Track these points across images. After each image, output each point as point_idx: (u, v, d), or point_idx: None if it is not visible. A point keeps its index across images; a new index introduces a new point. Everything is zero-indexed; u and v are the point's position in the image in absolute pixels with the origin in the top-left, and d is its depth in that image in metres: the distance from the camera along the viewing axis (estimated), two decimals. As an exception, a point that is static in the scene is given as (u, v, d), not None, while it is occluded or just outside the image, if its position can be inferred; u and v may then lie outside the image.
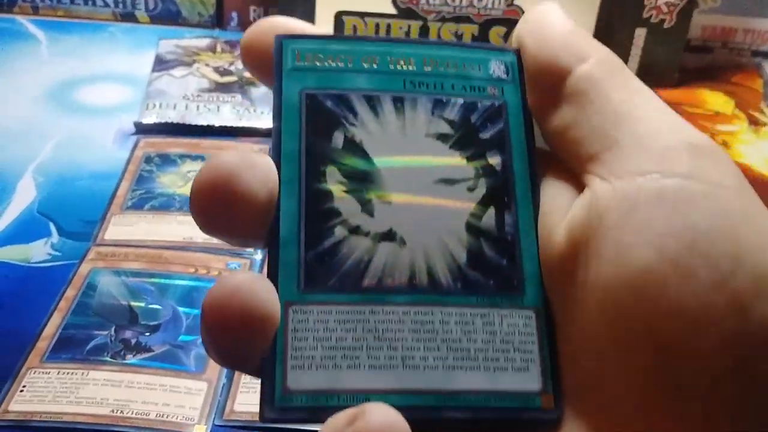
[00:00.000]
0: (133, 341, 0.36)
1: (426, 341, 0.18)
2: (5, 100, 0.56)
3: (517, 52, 0.21)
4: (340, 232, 0.18)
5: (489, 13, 0.63)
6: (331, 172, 0.19)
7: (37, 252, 0.42)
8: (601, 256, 0.17)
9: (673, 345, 0.16)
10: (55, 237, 0.43)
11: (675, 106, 0.65)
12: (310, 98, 0.19)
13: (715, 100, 0.66)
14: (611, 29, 0.64)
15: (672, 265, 0.16)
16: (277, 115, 0.19)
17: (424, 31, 0.64)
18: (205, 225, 0.18)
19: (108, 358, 0.35)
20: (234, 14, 0.67)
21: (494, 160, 0.20)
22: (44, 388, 0.33)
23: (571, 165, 0.19)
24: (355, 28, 0.63)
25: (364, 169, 0.19)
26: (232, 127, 0.54)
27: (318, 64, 0.20)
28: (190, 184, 0.51)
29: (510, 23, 0.64)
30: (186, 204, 0.46)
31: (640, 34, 0.65)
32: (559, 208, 0.19)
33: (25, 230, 0.43)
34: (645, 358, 0.17)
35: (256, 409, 0.32)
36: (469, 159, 0.19)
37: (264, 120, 0.55)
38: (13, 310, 0.38)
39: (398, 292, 0.18)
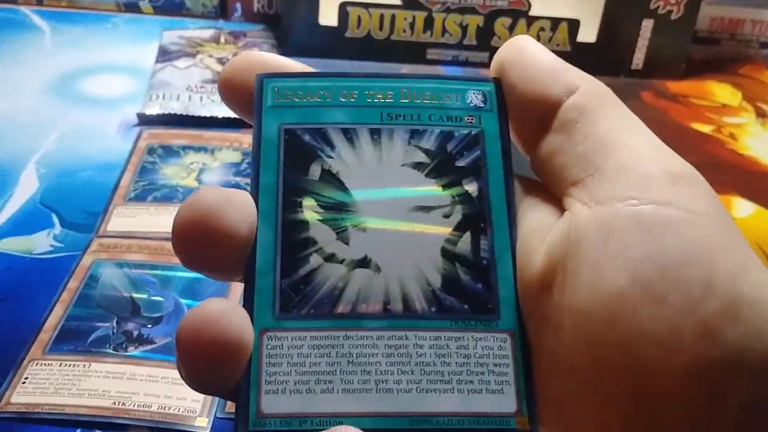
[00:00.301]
0: (135, 333, 0.36)
1: (400, 365, 0.18)
2: (9, 91, 0.55)
3: (497, 81, 0.21)
4: (315, 260, 0.19)
5: (494, 4, 0.63)
6: (308, 203, 0.19)
7: (40, 243, 0.42)
8: (577, 278, 0.18)
9: (644, 369, 0.17)
10: (57, 228, 0.43)
11: (682, 97, 0.64)
12: (288, 133, 0.20)
13: (722, 92, 0.65)
14: (618, 20, 0.64)
15: (644, 290, 0.17)
16: (256, 149, 0.20)
17: (429, 21, 0.63)
18: (188, 262, 0.19)
19: (110, 350, 0.35)
20: (238, 5, 0.67)
21: (470, 186, 0.20)
22: (46, 380, 0.33)
23: (553, 190, 0.20)
24: (359, 19, 0.63)
25: (341, 200, 0.19)
26: (235, 119, 0.53)
27: (297, 100, 0.20)
28: (193, 176, 0.51)
29: (516, 14, 0.63)
30: (189, 195, 0.46)
31: (647, 25, 0.64)
32: (539, 232, 0.19)
33: (27, 221, 0.43)
34: (617, 381, 0.17)
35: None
36: (445, 186, 0.20)
37: (267, 111, 0.54)
38: (15, 302, 0.38)
39: (372, 317, 0.18)
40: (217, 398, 0.33)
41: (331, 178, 0.19)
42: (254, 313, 0.18)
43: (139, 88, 0.57)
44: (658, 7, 0.64)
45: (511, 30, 0.64)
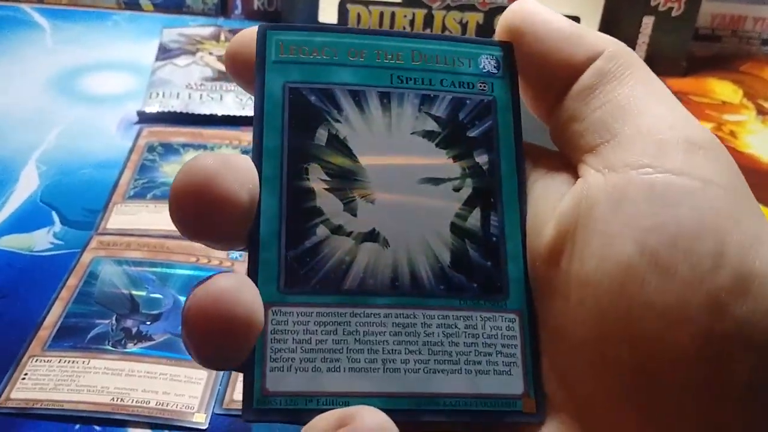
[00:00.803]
0: (134, 330, 0.36)
1: (407, 344, 0.18)
2: (9, 88, 0.56)
3: (508, 46, 0.20)
4: (321, 231, 0.18)
5: (494, 1, 0.63)
6: (314, 169, 0.18)
7: (40, 241, 0.42)
8: (586, 247, 0.17)
9: (650, 340, 0.16)
10: (57, 226, 0.43)
11: (682, 95, 0.64)
12: (293, 92, 0.19)
13: (722, 89, 0.65)
14: (618, 17, 0.64)
15: (652, 261, 0.16)
16: (259, 109, 0.19)
17: (429, 19, 0.63)
18: (186, 231, 0.18)
19: (109, 347, 0.35)
20: (238, 2, 0.67)
21: (481, 159, 0.19)
22: (46, 376, 0.34)
23: (569, 157, 0.19)
24: (359, 16, 0.63)
25: (348, 167, 0.19)
26: (235, 116, 0.54)
27: (302, 56, 0.19)
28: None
29: (516, 11, 0.63)
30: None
31: (648, 22, 0.64)
32: (551, 201, 0.19)
33: (27, 219, 0.43)
34: (623, 353, 0.17)
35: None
36: (456, 158, 0.19)
37: (267, 109, 0.54)
38: (15, 299, 0.38)
39: (380, 294, 0.18)
40: (215, 394, 0.34)
41: (338, 144, 0.19)
42: (258, 287, 0.17)
43: (140, 85, 0.57)
44: (659, 3, 0.64)
45: (511, 27, 0.64)
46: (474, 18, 0.63)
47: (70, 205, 0.44)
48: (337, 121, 0.19)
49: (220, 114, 0.53)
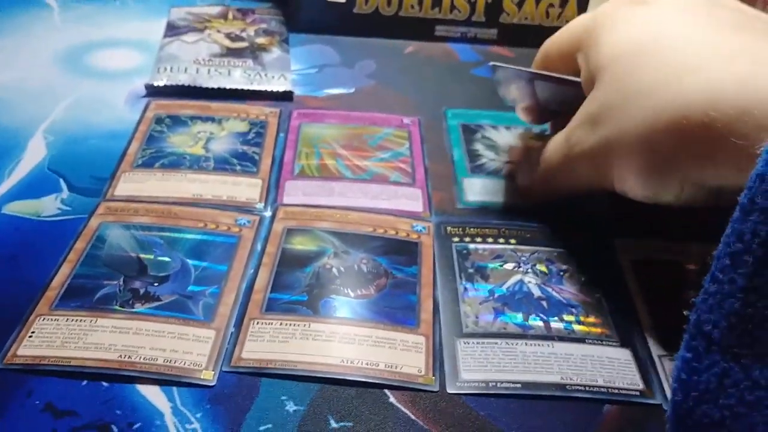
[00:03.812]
0: (142, 291, 0.36)
1: None
2: (17, 63, 0.56)
3: None
4: None
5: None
6: None
7: (48, 206, 0.42)
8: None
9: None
10: (65, 192, 0.43)
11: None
12: None
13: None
14: None
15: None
16: None
17: (438, 1, 0.63)
18: None
19: (116, 307, 0.35)
20: (246, -18, 0.67)
21: None
22: (53, 334, 0.33)
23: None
24: (367, -4, 0.63)
25: None
26: (243, 90, 0.53)
27: None
28: (200, 144, 0.51)
29: (524, -10, 0.63)
30: (196, 162, 0.46)
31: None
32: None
33: (35, 186, 0.43)
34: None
35: (263, 356, 0.32)
36: None
37: (275, 84, 0.54)
38: (22, 262, 0.38)
39: None
40: (223, 352, 0.33)
41: None
42: None
43: (147, 61, 0.57)
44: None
45: (520, 6, 0.64)
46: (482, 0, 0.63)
47: (78, 173, 0.44)
48: None
49: (228, 87, 0.53)
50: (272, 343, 0.34)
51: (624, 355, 0.34)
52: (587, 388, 0.32)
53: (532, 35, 0.64)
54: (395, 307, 0.36)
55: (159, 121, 0.50)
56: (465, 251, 0.40)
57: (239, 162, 0.46)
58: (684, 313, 0.23)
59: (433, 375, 0.33)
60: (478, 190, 0.45)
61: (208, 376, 0.32)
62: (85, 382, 0.32)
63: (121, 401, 0.31)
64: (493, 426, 0.31)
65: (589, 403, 0.32)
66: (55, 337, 0.33)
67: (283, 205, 0.43)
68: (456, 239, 0.41)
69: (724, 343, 0.20)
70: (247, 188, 0.44)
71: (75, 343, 0.33)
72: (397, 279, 0.38)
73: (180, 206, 0.42)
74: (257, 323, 0.35)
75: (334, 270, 0.38)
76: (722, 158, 0.26)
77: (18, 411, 0.30)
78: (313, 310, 0.36)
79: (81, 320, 0.34)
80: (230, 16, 0.64)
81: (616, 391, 0.32)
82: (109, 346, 0.33)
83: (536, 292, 0.37)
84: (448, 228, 0.42)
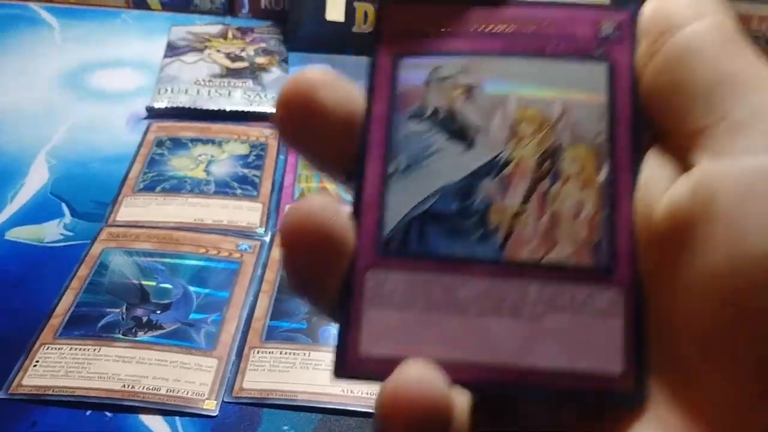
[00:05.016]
0: (145, 319, 0.37)
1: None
2: (19, 84, 0.56)
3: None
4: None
5: (500, 0, 0.63)
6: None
7: (50, 232, 0.42)
8: (710, 240, 0.16)
9: None
10: (67, 218, 0.43)
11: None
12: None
13: (728, 87, 0.65)
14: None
15: None
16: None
17: (435, 17, 0.64)
18: (284, 134, 0.18)
19: (119, 335, 0.36)
20: (245, 1, 0.67)
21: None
22: (57, 363, 0.34)
23: (673, 135, 0.18)
24: (366, 14, 0.63)
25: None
26: (243, 112, 0.54)
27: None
28: (201, 167, 0.51)
29: None
30: (197, 186, 0.46)
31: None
32: (659, 183, 0.18)
33: (38, 211, 0.44)
34: (758, 351, 0.15)
35: (265, 386, 0.32)
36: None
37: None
38: (26, 289, 0.38)
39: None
40: (225, 382, 0.34)
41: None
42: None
43: (148, 82, 0.57)
44: None
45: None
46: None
47: (80, 198, 0.45)
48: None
49: (228, 109, 0.54)
50: (273, 372, 0.34)
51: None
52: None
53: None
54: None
55: (160, 143, 0.50)
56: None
57: (240, 185, 0.47)
58: None
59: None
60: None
61: (211, 406, 0.33)
62: (89, 413, 0.32)
63: (125, 432, 0.31)
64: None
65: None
66: (59, 366, 0.34)
67: (283, 230, 0.43)
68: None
69: None
70: (247, 212, 0.44)
71: (79, 373, 0.33)
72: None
73: (181, 231, 0.42)
74: (258, 352, 0.35)
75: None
76: None
77: (23, 442, 0.31)
78: (313, 338, 0.36)
79: (85, 349, 0.35)
80: (230, 35, 0.64)
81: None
82: (113, 376, 0.33)
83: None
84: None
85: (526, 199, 0.18)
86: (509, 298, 0.17)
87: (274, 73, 0.59)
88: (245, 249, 0.42)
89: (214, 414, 0.32)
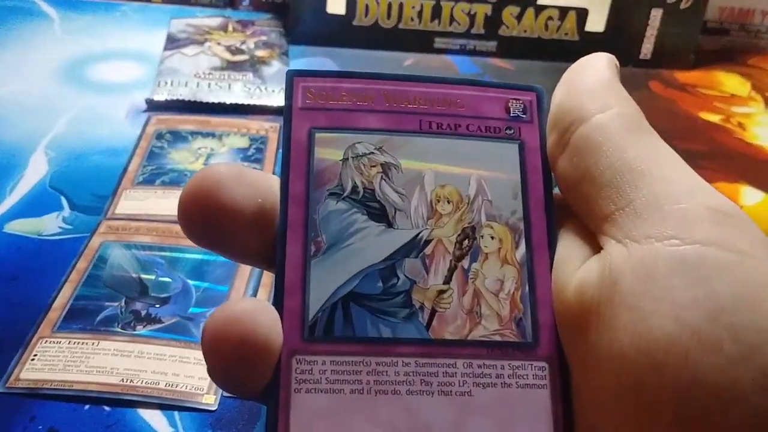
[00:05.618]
0: (143, 313, 0.36)
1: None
2: (18, 76, 0.56)
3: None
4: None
5: (502, -7, 0.63)
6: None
7: (49, 225, 0.42)
8: (616, 323, 0.16)
9: (696, 419, 0.15)
10: (66, 211, 0.43)
11: (690, 87, 0.64)
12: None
13: (730, 82, 0.65)
14: (626, 10, 0.64)
15: (694, 337, 0.15)
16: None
17: (437, 10, 0.63)
18: (191, 234, 0.18)
19: (118, 329, 0.35)
20: (246, -7, 0.67)
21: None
22: (55, 357, 0.34)
23: (584, 220, 0.19)
24: (367, 8, 0.63)
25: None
26: (243, 105, 0.54)
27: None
28: (201, 160, 0.51)
29: (524, 3, 0.63)
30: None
31: (656, 15, 0.64)
32: (571, 261, 0.18)
33: (37, 204, 0.43)
34: (665, 429, 0.16)
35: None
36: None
37: (275, 98, 0.55)
38: (24, 282, 0.38)
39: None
40: (224, 376, 0.34)
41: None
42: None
43: (148, 75, 0.57)
44: (667, -4, 0.63)
45: (519, 19, 0.64)
46: (482, 10, 0.63)
47: (79, 191, 0.44)
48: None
49: (228, 102, 0.53)
50: (273, 366, 0.34)
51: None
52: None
53: (531, 48, 0.64)
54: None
55: (159, 136, 0.50)
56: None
57: (239, 179, 0.46)
58: None
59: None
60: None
61: (210, 401, 0.32)
62: (87, 407, 0.32)
63: (123, 426, 0.31)
64: None
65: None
66: (57, 360, 0.34)
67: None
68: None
69: None
70: (247, 206, 0.44)
71: (77, 367, 0.33)
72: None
73: (181, 225, 0.42)
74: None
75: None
76: None
77: (21, 436, 0.30)
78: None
79: (83, 343, 0.34)
80: (230, 28, 0.64)
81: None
82: (111, 370, 0.33)
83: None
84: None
85: (449, 278, 0.18)
86: (438, 376, 0.17)
87: (275, 66, 0.59)
88: (245, 243, 0.41)
89: (213, 408, 0.32)
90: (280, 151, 0.49)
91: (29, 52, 0.59)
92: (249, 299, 0.17)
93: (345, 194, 0.19)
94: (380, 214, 0.19)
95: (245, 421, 0.32)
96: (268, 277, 0.39)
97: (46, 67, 0.57)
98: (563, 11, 0.64)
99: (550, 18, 0.64)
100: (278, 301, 0.18)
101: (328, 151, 0.19)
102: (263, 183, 0.18)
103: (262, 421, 0.32)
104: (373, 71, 0.20)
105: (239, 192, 0.18)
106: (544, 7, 0.63)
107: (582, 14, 0.64)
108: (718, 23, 0.70)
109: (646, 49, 0.65)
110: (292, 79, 0.19)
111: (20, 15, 0.64)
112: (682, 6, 0.64)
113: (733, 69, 0.67)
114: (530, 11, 0.63)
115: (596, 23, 0.64)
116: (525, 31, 0.64)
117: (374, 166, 0.19)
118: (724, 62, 0.68)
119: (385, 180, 0.19)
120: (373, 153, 0.19)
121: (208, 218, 0.18)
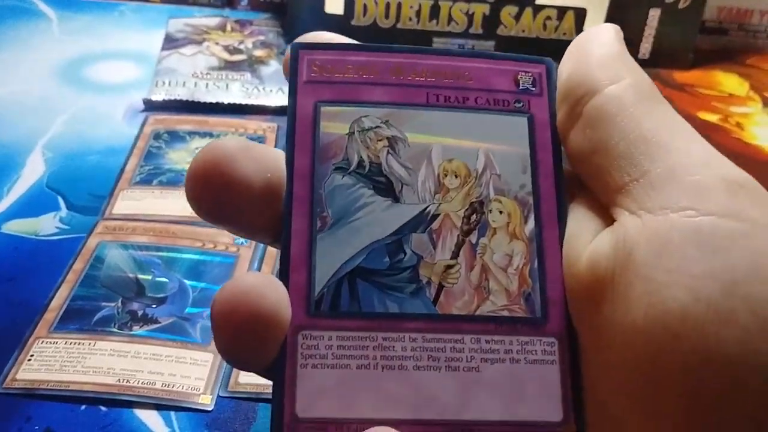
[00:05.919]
0: (140, 313, 0.36)
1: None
2: (16, 76, 0.56)
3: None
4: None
5: (500, -7, 0.63)
6: None
7: (46, 225, 0.42)
8: (629, 294, 0.16)
9: (712, 391, 0.15)
10: (63, 211, 0.43)
11: (689, 87, 0.64)
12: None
13: (729, 81, 0.65)
14: (625, 9, 0.64)
15: (710, 309, 0.15)
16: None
17: (435, 10, 0.63)
18: (200, 209, 0.18)
19: (115, 329, 0.35)
20: (244, -7, 0.67)
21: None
22: (51, 357, 0.34)
23: (596, 192, 0.18)
24: (365, 7, 0.63)
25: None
26: (240, 105, 0.54)
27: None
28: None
29: (522, 2, 0.63)
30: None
31: (654, 14, 0.64)
32: (583, 235, 0.18)
33: (34, 204, 0.43)
34: (678, 402, 0.16)
35: (260, 381, 0.32)
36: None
37: (273, 98, 0.55)
38: (21, 282, 0.38)
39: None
40: (221, 376, 0.34)
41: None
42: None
43: (145, 74, 0.57)
44: (665, -4, 0.63)
45: (517, 19, 0.64)
46: (480, 9, 0.63)
47: (76, 191, 0.44)
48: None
49: (226, 102, 0.53)
50: (269, 367, 0.34)
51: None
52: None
53: (529, 47, 0.64)
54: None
55: (157, 136, 0.50)
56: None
57: (237, 179, 0.46)
58: None
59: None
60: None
61: (206, 401, 0.32)
62: (84, 407, 0.32)
63: (120, 427, 0.31)
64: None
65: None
66: (54, 360, 0.34)
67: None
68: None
69: None
70: (244, 206, 0.44)
71: (74, 367, 0.33)
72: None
73: (178, 225, 0.42)
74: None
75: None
76: None
77: (17, 437, 0.30)
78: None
79: (80, 343, 0.34)
80: (228, 27, 0.64)
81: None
82: (108, 370, 0.33)
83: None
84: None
85: (456, 253, 0.18)
86: (445, 351, 0.17)
87: (273, 66, 0.59)
88: (242, 243, 0.41)
89: (210, 408, 0.32)
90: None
91: (27, 51, 0.59)
92: (257, 274, 0.17)
93: (351, 168, 0.18)
94: (387, 188, 0.18)
95: (241, 421, 0.32)
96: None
97: (44, 67, 0.57)
98: (561, 11, 0.64)
99: (548, 18, 0.64)
100: (284, 277, 0.17)
101: (334, 124, 0.18)
102: (271, 157, 0.18)
103: (259, 421, 0.32)
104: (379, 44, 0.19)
105: (249, 166, 0.17)
106: (542, 7, 0.63)
107: (580, 14, 0.64)
108: (716, 23, 0.70)
109: (645, 48, 0.65)
110: (297, 52, 0.19)
111: (18, 15, 0.64)
112: (681, 6, 0.64)
113: (732, 69, 0.67)
114: (528, 11, 0.63)
115: (595, 23, 0.64)
116: (523, 31, 0.64)
117: (381, 140, 0.19)
118: (722, 62, 0.67)
119: (391, 154, 0.19)
120: (379, 126, 0.19)
121: (219, 192, 0.17)
